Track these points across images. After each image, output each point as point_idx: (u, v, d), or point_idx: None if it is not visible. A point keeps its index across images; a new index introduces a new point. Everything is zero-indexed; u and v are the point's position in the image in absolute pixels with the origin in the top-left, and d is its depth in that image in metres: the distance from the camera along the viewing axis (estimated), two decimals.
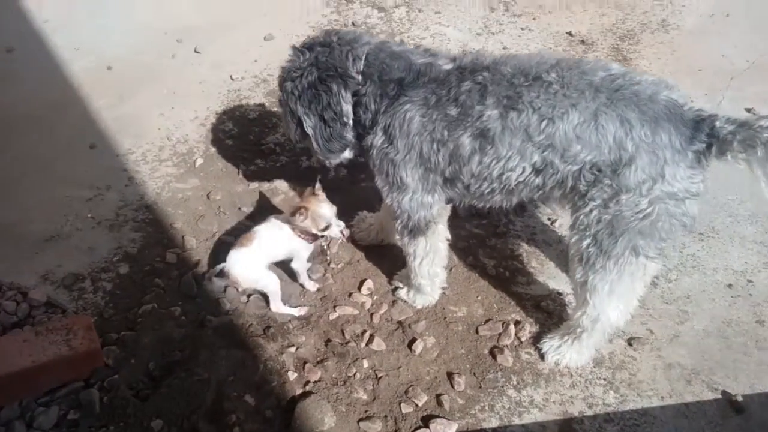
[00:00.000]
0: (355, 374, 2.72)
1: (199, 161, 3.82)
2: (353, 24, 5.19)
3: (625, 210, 2.21)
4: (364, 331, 2.89)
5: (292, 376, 2.69)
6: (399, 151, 2.46)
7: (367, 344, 2.83)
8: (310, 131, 2.52)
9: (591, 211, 2.29)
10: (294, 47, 2.54)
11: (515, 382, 2.71)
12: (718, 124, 2.13)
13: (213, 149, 3.92)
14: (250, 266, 2.87)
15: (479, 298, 3.06)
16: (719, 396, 2.65)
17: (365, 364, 2.76)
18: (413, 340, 2.84)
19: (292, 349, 2.79)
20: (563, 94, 2.20)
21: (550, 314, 2.97)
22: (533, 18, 5.23)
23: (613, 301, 2.48)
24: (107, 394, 2.57)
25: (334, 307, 2.99)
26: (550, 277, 3.15)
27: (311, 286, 3.08)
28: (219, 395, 2.57)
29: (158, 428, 2.46)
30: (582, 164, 2.24)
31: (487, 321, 2.95)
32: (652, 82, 2.23)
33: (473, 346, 2.85)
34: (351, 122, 2.54)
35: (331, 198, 3.01)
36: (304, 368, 2.72)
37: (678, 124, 2.15)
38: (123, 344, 2.77)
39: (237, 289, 2.96)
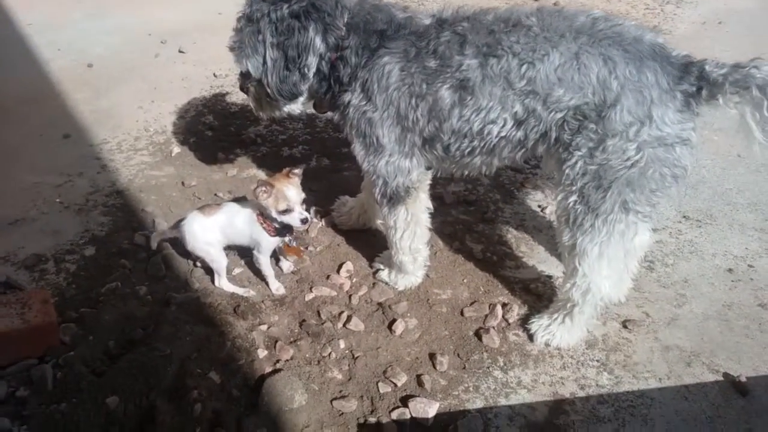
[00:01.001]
0: (330, 354, 2.52)
1: (176, 150, 3.69)
2: None
3: (612, 158, 2.08)
4: (342, 312, 2.70)
5: (262, 354, 2.49)
6: (377, 108, 2.33)
7: (344, 325, 2.65)
8: (269, 62, 2.34)
9: (576, 162, 2.15)
10: None
11: (502, 363, 2.52)
12: (708, 67, 2.02)
13: (192, 139, 3.79)
14: (204, 231, 2.68)
15: (465, 281, 2.89)
16: (721, 378, 2.46)
17: (341, 344, 2.57)
18: (393, 321, 2.65)
19: (263, 327, 2.60)
20: (544, 37, 2.09)
21: (539, 297, 2.80)
22: None
23: (603, 267, 2.32)
24: (61, 371, 2.37)
25: (311, 288, 2.81)
26: (541, 261, 2.99)
27: (286, 267, 2.90)
28: (181, 372, 2.37)
29: (114, 405, 2.23)
30: (566, 110, 2.12)
31: (472, 303, 2.77)
32: (636, 25, 2.14)
33: (458, 327, 2.67)
34: (310, 75, 2.38)
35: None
36: (275, 347, 2.53)
37: (665, 63, 2.04)
38: (82, 321, 2.58)
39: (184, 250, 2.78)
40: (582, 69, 2.05)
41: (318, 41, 2.30)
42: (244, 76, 2.52)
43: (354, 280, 2.88)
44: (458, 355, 2.56)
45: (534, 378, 2.47)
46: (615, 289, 2.47)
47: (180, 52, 4.75)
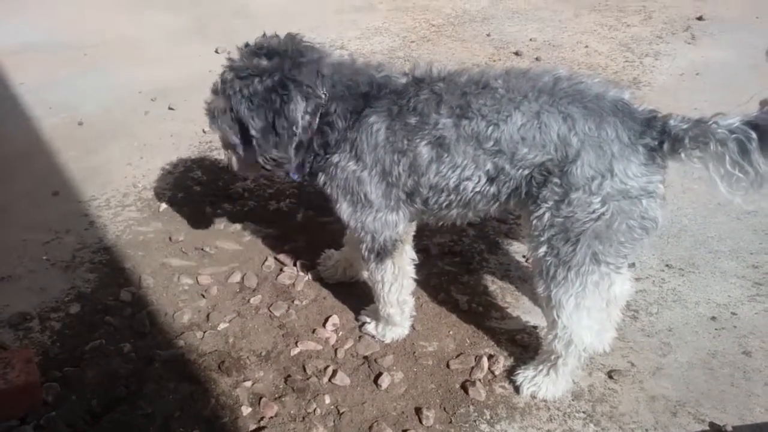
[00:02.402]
0: (315, 410, 2.51)
1: (164, 206, 3.71)
2: None
3: (578, 211, 2.13)
4: (327, 366, 2.69)
5: (246, 411, 2.48)
6: (367, 166, 2.37)
7: (329, 379, 2.64)
8: (255, 133, 2.37)
9: (544, 213, 2.20)
10: (250, 48, 2.42)
11: (488, 417, 2.51)
12: (671, 122, 2.09)
13: (180, 195, 3.83)
14: None
15: (451, 332, 2.89)
16: (707, 428, 2.46)
17: (327, 399, 2.56)
18: (379, 375, 2.65)
19: (248, 384, 2.59)
20: (508, 99, 2.18)
21: (525, 348, 2.80)
22: None
23: (583, 318, 2.34)
24: None
25: (296, 342, 2.81)
26: (526, 311, 3.00)
27: None
28: (164, 430, 2.35)
29: None
30: (531, 167, 2.19)
31: (458, 355, 2.77)
32: (600, 82, 2.22)
33: (444, 380, 2.66)
34: (297, 137, 2.42)
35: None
36: (259, 403, 2.51)
37: (625, 119, 2.11)
38: (65, 381, 2.57)
39: None
40: (542, 127, 2.13)
41: (304, 105, 2.36)
42: (222, 141, 2.58)
43: (340, 333, 2.88)
44: (444, 408, 2.55)
45: (521, 431, 2.45)
46: (598, 339, 2.48)
47: (170, 109, 4.82)
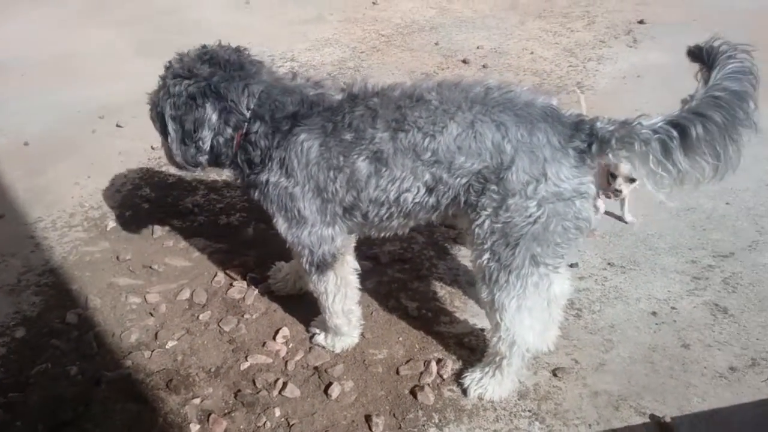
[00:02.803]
0: (265, 423, 2.52)
1: (111, 225, 3.68)
2: None
3: (515, 215, 2.19)
4: (277, 379, 2.71)
5: (195, 428, 2.47)
6: (298, 183, 2.40)
7: (279, 392, 2.65)
8: (171, 133, 2.43)
9: (484, 221, 2.26)
10: (198, 52, 2.47)
11: (437, 420, 2.55)
12: (598, 124, 2.17)
13: (128, 213, 3.80)
14: None
15: (401, 339, 2.93)
16: (647, 420, 2.54)
17: (277, 412, 2.57)
18: (329, 385, 2.67)
19: (197, 401, 2.59)
20: (443, 110, 2.23)
21: (473, 350, 2.85)
22: None
23: (525, 319, 2.40)
24: None
25: (246, 357, 2.82)
26: (473, 315, 3.05)
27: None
28: None
29: None
30: (469, 175, 2.25)
31: (408, 361, 2.81)
32: (529, 90, 2.29)
33: (393, 386, 2.70)
34: (205, 148, 2.45)
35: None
36: (208, 420, 2.51)
37: (555, 124, 2.18)
38: (9, 407, 2.53)
39: None
40: (477, 136, 2.19)
41: (214, 119, 2.39)
42: None
43: (290, 345, 2.90)
44: (394, 415, 2.58)
45: None
46: (540, 338, 2.55)
47: (118, 126, 4.79)
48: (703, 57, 2.12)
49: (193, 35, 6.14)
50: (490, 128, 2.18)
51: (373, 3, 7.18)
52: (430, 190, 2.31)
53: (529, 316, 2.41)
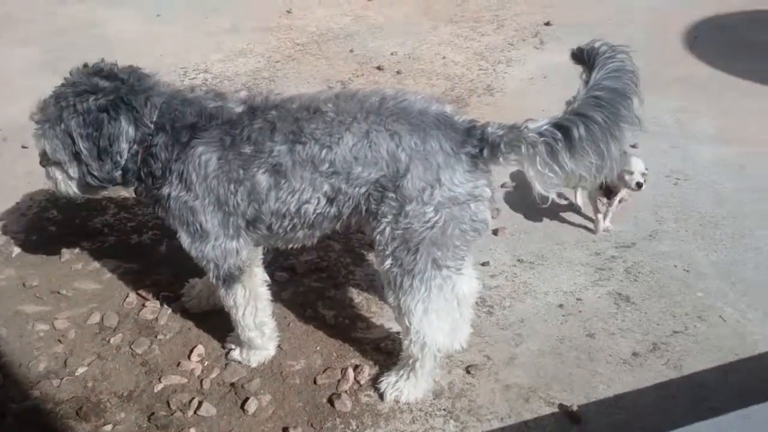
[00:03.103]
0: None
1: (17, 251, 3.55)
2: None
3: (414, 222, 2.25)
4: (192, 399, 2.67)
5: None
6: (198, 196, 2.40)
7: (195, 412, 2.62)
8: (83, 151, 2.38)
9: (385, 228, 2.32)
10: (89, 68, 2.44)
11: (355, 427, 2.58)
12: (489, 129, 2.25)
13: (33, 237, 3.68)
14: None
15: (318, 348, 2.94)
16: (556, 410, 2.64)
17: None
18: (246, 400, 2.66)
19: (108, 428, 2.53)
20: (339, 121, 2.28)
21: (389, 354, 2.90)
22: None
23: (433, 321, 2.46)
24: None
25: (160, 378, 2.77)
26: (390, 319, 3.09)
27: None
28: None
29: None
30: (367, 184, 2.29)
31: (325, 370, 2.82)
32: (423, 98, 2.36)
33: (311, 396, 2.71)
34: (122, 162, 2.43)
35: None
36: None
37: (448, 131, 2.25)
38: None
39: None
40: (372, 146, 2.25)
41: (131, 131, 2.37)
42: (44, 156, 2.53)
43: (206, 363, 2.87)
44: (312, 425, 2.59)
45: None
46: (450, 338, 2.62)
47: (23, 147, 4.62)
48: (584, 58, 2.23)
49: (104, 50, 5.99)
50: (385, 138, 2.23)
51: (288, 12, 7.17)
52: (330, 201, 2.34)
53: (437, 318, 2.47)
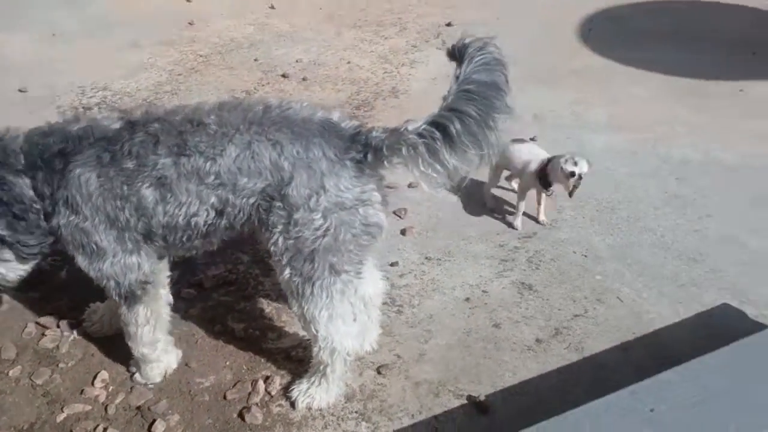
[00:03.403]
0: None
1: None
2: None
3: (305, 230, 2.26)
4: (97, 426, 2.59)
5: None
6: (87, 217, 2.34)
7: None
8: (4, 232, 2.31)
9: (278, 239, 2.32)
10: None
11: None
12: (373, 133, 2.28)
13: None
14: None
15: (228, 363, 2.91)
16: (465, 401, 2.70)
17: None
18: (153, 422, 2.60)
19: None
20: (222, 133, 2.26)
21: (301, 362, 2.89)
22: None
23: (339, 326, 2.47)
24: None
25: (62, 408, 2.67)
26: (300, 327, 3.09)
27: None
28: None
29: None
30: (255, 195, 2.29)
31: (235, 384, 2.79)
32: (307, 107, 2.36)
33: (221, 412, 2.68)
34: (39, 210, 2.36)
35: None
36: None
37: (332, 138, 2.27)
38: None
39: None
40: (255, 156, 2.24)
41: (21, 181, 2.30)
42: None
43: (111, 388, 2.78)
44: None
45: None
46: (359, 340, 2.64)
47: None
48: (455, 55, 2.25)
49: None
50: (267, 147, 2.23)
51: (190, 24, 7.04)
52: (219, 213, 2.33)
53: (343, 323, 2.49)
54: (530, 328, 3.06)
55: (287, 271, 2.36)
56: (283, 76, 5.80)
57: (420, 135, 2.17)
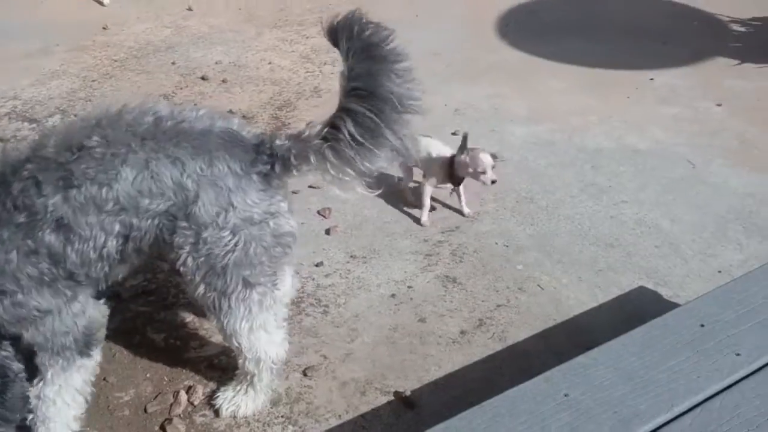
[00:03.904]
0: None
1: None
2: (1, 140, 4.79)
3: (214, 248, 2.17)
4: None
5: None
6: (12, 291, 2.11)
7: None
8: None
9: (186, 259, 2.21)
10: None
11: None
12: (277, 142, 2.20)
13: None
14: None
15: (148, 375, 2.82)
16: (392, 398, 2.71)
17: None
18: None
19: None
20: (111, 155, 2.08)
21: (224, 370, 2.83)
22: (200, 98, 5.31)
23: (261, 336, 2.43)
24: None
25: None
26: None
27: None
28: None
29: None
30: (158, 216, 2.16)
31: (156, 396, 2.71)
32: (205, 115, 2.24)
33: (142, 426, 2.60)
34: None
35: None
36: None
37: (236, 150, 2.17)
38: None
39: None
40: (155, 176, 2.09)
41: None
42: None
43: None
44: None
45: None
46: (283, 347, 2.58)
47: None
48: (336, 41, 2.12)
49: None
50: (166, 166, 2.10)
51: (104, 28, 6.80)
52: (126, 238, 2.18)
53: (266, 332, 2.44)
54: (455, 321, 3.09)
55: (201, 288, 2.27)
56: (203, 78, 5.68)
57: (324, 139, 2.11)
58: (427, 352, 2.92)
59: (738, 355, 2.16)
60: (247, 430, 2.58)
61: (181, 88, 5.54)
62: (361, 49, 2.05)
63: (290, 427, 2.58)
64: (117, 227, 2.14)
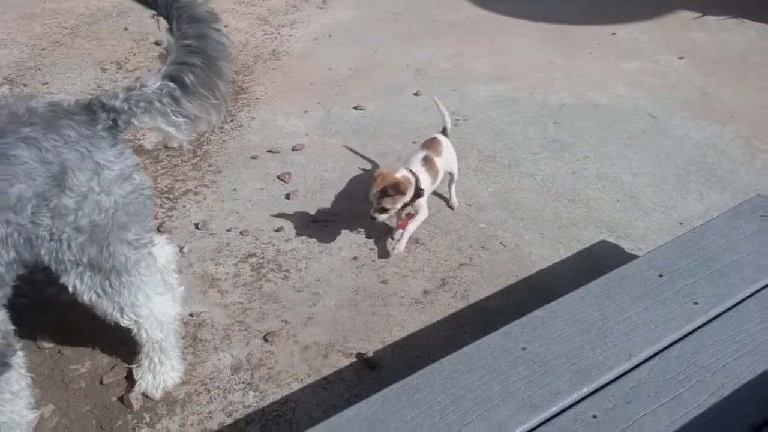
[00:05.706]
0: None
1: None
2: None
3: (95, 215, 2.05)
4: None
5: None
6: None
7: None
8: None
9: (69, 245, 2.06)
10: None
11: (148, 419, 2.45)
12: (113, 101, 2.11)
13: None
14: None
15: (104, 346, 2.75)
16: (354, 359, 2.68)
17: None
18: None
19: None
20: None
21: (182, 337, 2.78)
22: (148, 69, 5.15)
23: (156, 300, 2.38)
24: None
25: None
26: (183, 303, 2.96)
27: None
28: None
29: None
30: (31, 202, 1.97)
31: (113, 367, 2.66)
32: (19, 99, 2.07)
33: (99, 398, 2.54)
34: None
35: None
36: None
37: (72, 116, 2.05)
38: None
39: None
40: (13, 160, 1.91)
41: None
42: None
43: None
44: (101, 426, 2.43)
45: (182, 422, 2.44)
46: (175, 302, 2.56)
47: None
48: (159, 8, 2.20)
49: None
50: (22, 148, 1.92)
51: None
52: (3, 241, 1.97)
53: (158, 294, 2.39)
54: (417, 281, 3.07)
55: (87, 275, 2.16)
56: (156, 44, 5.50)
57: (161, 88, 2.11)
58: (389, 313, 2.90)
59: (696, 303, 2.17)
60: (207, 398, 2.54)
61: (135, 54, 5.37)
62: (186, 12, 2.15)
63: (251, 392, 2.55)
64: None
